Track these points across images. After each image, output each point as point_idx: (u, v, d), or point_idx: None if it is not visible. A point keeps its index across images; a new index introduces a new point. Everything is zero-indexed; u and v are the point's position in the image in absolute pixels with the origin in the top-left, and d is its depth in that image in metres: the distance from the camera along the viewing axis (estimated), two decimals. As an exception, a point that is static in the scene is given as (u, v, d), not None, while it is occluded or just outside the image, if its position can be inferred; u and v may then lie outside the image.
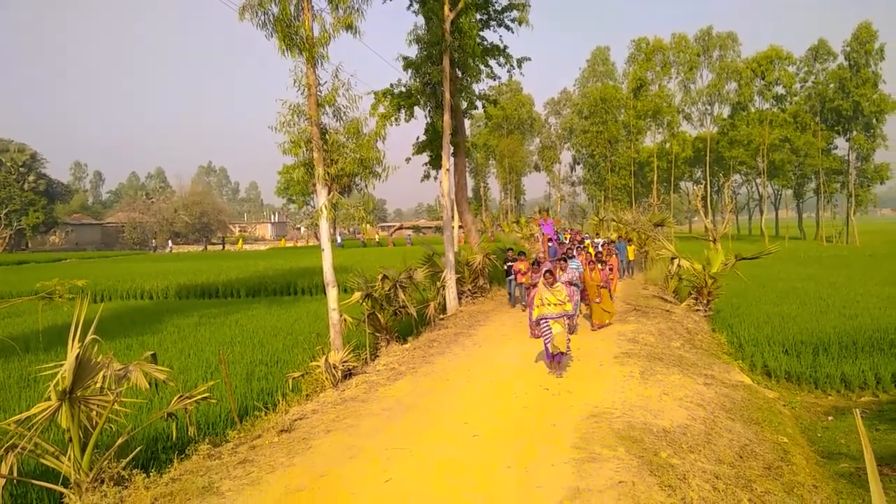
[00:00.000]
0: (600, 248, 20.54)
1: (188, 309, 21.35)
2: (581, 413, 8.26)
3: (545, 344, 10.15)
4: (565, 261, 15.32)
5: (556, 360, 10.15)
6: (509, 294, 18.98)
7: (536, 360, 11.22)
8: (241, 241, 79.05)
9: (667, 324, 15.37)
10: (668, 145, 75.15)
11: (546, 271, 10.39)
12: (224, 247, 71.00)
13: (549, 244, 25.94)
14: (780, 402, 11.07)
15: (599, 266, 15.10)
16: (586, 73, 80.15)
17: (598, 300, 14.47)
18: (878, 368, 12.64)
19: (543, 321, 10.12)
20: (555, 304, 10.04)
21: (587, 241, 24.66)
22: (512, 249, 19.38)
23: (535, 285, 11.44)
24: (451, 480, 6.20)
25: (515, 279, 17.97)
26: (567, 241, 25.50)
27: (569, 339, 10.45)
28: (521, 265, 17.52)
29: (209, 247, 74.27)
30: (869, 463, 1.62)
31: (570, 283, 12.64)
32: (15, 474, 5.80)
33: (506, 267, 18.82)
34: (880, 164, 66.97)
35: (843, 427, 10.38)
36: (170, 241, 79.15)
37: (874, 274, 29.02)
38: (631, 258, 25.42)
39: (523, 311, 16.35)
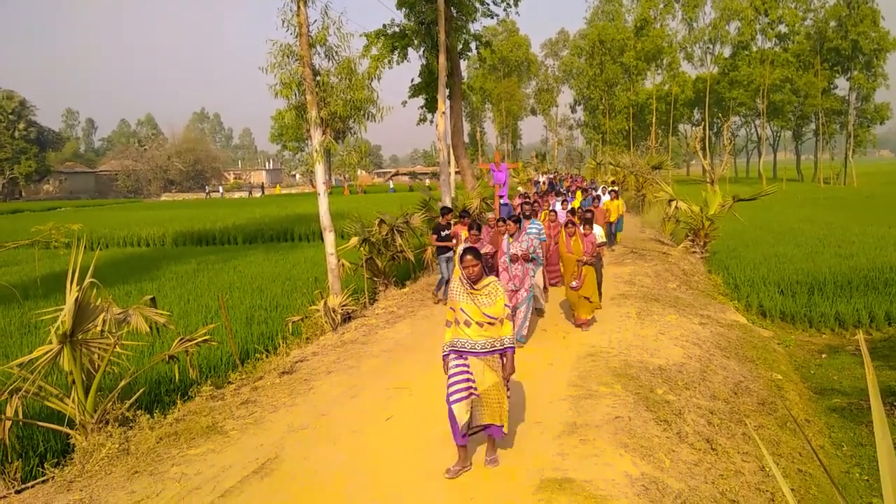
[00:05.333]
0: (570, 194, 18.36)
1: (185, 256, 21.32)
2: (578, 353, 8.37)
3: (449, 404, 5.02)
4: (518, 222, 9.21)
5: (468, 437, 5.12)
6: (439, 281, 12.15)
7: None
8: (278, 186, 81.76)
9: (663, 265, 15.45)
10: (667, 87, 73.97)
11: (466, 250, 5.13)
12: (263, 192, 73.20)
13: (501, 200, 17.45)
14: (774, 341, 11.23)
15: (581, 230, 9.75)
16: (594, 11, 78.05)
17: (576, 284, 9.26)
18: (871, 307, 12.79)
19: (456, 358, 5.13)
20: (477, 323, 5.06)
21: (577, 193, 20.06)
22: (449, 209, 12.97)
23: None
24: (451, 418, 6.29)
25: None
26: (564, 191, 22.28)
27: (508, 393, 5.27)
28: (464, 231, 10.75)
29: (252, 192, 76.41)
30: (870, 380, 1.62)
31: (526, 259, 8.61)
32: (20, 416, 5.89)
33: (438, 238, 11.83)
34: (880, 103, 66.17)
35: (835, 364, 10.57)
36: (220, 187, 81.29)
37: (871, 215, 29.03)
38: (612, 219, 17.57)
39: None
